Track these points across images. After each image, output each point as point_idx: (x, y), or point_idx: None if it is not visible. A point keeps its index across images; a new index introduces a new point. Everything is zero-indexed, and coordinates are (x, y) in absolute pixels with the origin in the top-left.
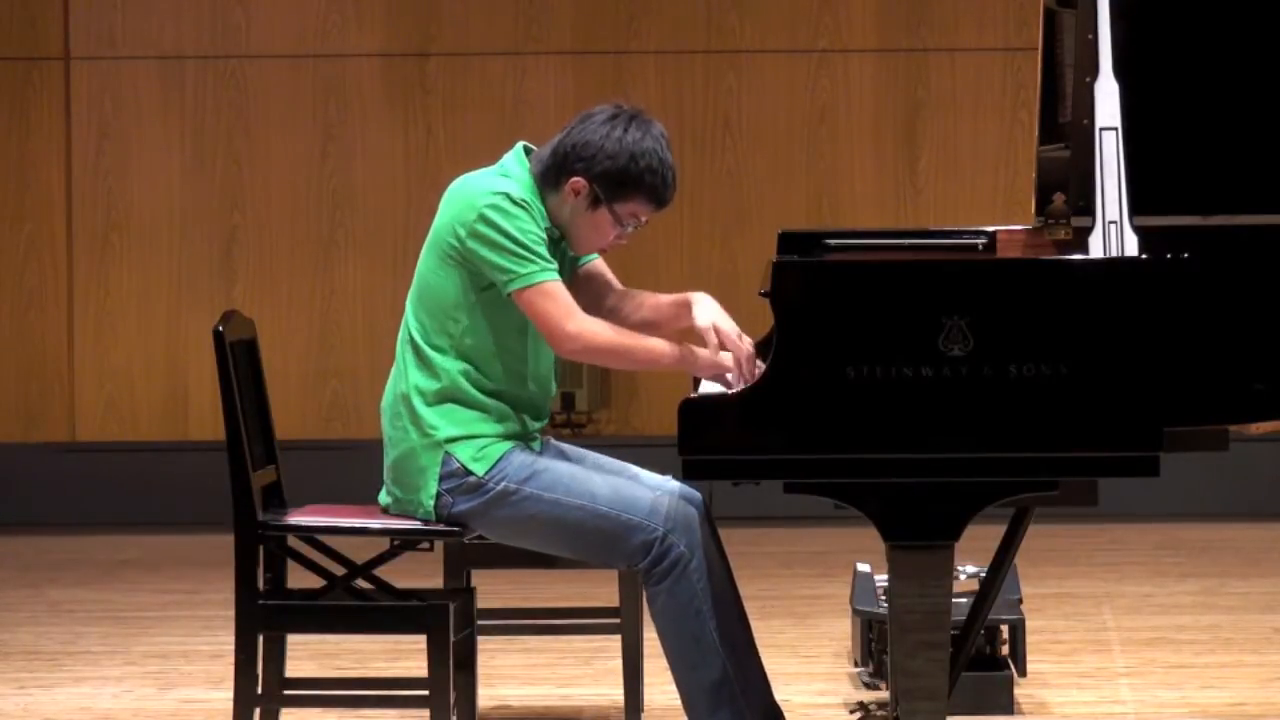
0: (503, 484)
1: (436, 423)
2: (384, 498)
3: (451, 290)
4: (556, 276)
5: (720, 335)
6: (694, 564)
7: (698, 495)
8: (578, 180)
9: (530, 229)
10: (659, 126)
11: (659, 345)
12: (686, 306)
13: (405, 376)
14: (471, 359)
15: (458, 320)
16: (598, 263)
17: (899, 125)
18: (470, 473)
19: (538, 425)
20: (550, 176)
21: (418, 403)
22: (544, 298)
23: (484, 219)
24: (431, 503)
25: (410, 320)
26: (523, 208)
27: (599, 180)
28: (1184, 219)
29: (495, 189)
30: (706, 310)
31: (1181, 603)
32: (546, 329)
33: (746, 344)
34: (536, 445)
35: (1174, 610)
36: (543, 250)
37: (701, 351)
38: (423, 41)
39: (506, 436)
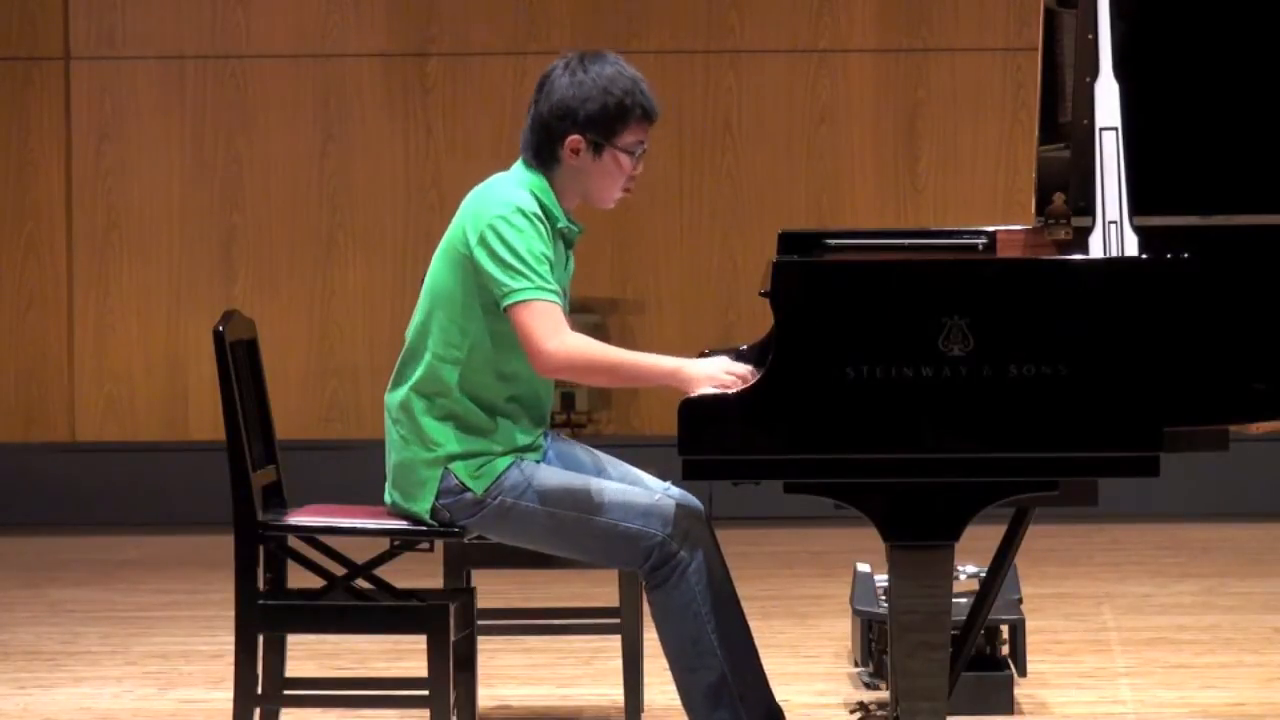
0: (499, 499)
1: (439, 438)
2: (388, 496)
3: (461, 298)
4: (550, 296)
5: (719, 381)
6: (693, 567)
7: (697, 500)
8: (572, 139)
9: (535, 245)
10: (611, 54)
11: (647, 361)
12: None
13: (411, 379)
14: (476, 371)
15: (465, 331)
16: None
17: (899, 125)
18: (467, 489)
19: (539, 431)
20: (544, 153)
21: (421, 413)
22: (532, 314)
23: (492, 229)
24: (427, 515)
25: (420, 322)
26: (532, 221)
27: (589, 127)
28: (1184, 219)
29: (508, 200)
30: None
31: (1181, 603)
32: (528, 345)
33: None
34: (536, 456)
35: (1174, 610)
36: (543, 269)
37: (695, 366)
38: (423, 41)
39: (506, 452)
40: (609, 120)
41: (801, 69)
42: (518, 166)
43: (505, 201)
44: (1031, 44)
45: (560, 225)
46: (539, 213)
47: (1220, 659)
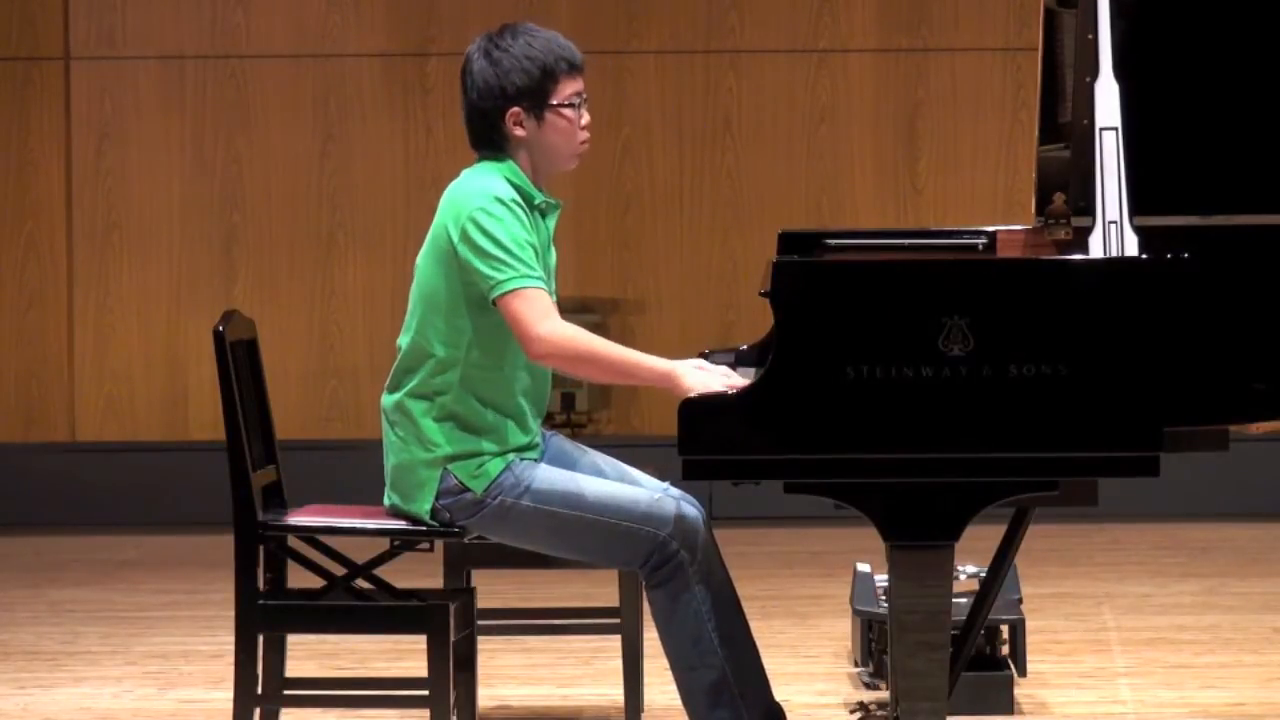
0: (499, 499)
1: (438, 439)
2: (387, 499)
3: (451, 295)
4: (537, 283)
5: (713, 391)
6: (693, 567)
7: (696, 500)
8: (511, 112)
9: (518, 233)
10: (520, 24)
11: (640, 358)
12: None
13: (407, 381)
14: (477, 368)
15: (459, 329)
16: None
17: (899, 125)
18: (467, 489)
19: (535, 428)
20: (491, 137)
21: (419, 414)
22: (520, 301)
23: (473, 222)
24: (428, 515)
25: (414, 322)
26: (511, 208)
27: (523, 97)
28: (1184, 219)
29: (485, 190)
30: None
31: (1181, 603)
32: (519, 332)
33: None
34: (535, 455)
35: (1174, 610)
36: (527, 255)
37: (690, 374)
38: (423, 41)
39: (505, 452)
40: (537, 86)
41: (801, 69)
42: (479, 164)
43: (482, 193)
44: (1031, 44)
45: (538, 202)
46: (516, 198)
47: (1220, 659)
